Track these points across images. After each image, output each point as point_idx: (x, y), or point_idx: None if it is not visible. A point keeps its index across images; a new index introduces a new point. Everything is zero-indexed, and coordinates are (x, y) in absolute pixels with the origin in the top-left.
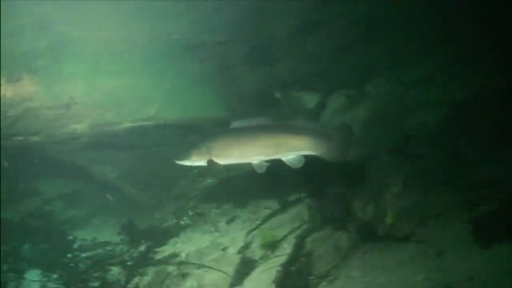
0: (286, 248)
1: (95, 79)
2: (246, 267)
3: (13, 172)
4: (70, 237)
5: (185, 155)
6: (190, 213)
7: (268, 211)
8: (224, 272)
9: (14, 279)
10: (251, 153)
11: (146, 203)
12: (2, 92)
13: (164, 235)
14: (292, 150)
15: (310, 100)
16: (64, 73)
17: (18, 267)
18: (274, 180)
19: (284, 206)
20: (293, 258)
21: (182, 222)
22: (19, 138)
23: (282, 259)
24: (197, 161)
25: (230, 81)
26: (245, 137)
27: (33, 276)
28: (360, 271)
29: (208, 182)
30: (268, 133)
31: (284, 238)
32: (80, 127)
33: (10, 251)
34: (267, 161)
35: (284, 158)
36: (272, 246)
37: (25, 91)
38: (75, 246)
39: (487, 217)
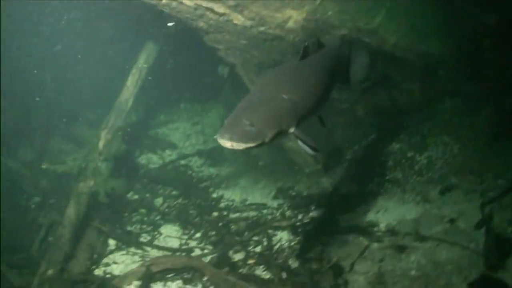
0: None
1: None
2: (499, 245)
3: None
4: (214, 195)
5: (264, 122)
6: (377, 179)
7: (503, 182)
8: (470, 248)
9: (148, 231)
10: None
11: (308, 166)
12: None
13: (342, 203)
14: None
15: None
16: None
17: (152, 220)
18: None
19: None
20: None
21: (367, 190)
22: None
23: None
24: (285, 128)
25: None
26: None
27: (170, 232)
28: None
29: (396, 147)
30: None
31: None
32: (296, 16)
33: (141, 201)
34: None
35: None
36: None
37: None
38: (221, 205)
39: None
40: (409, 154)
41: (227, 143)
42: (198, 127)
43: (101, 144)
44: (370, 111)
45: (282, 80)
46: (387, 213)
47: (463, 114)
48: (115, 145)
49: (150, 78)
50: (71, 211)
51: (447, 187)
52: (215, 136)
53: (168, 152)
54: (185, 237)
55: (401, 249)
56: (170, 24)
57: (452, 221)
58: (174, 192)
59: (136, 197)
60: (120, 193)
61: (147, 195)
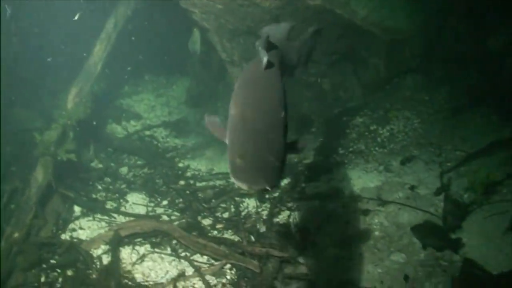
0: (508, 195)
1: None
2: (457, 209)
3: None
4: (180, 165)
5: (282, 151)
6: (341, 150)
7: (460, 153)
8: (430, 212)
9: (114, 199)
10: None
11: None
12: None
13: (308, 172)
14: None
15: None
16: None
17: (118, 189)
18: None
19: (487, 148)
20: None
21: (331, 160)
22: None
23: (508, 206)
24: None
25: None
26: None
27: (136, 200)
28: None
29: (360, 121)
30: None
31: (500, 182)
32: None
33: (106, 170)
34: None
35: None
36: (485, 190)
37: None
38: (188, 174)
39: None
40: (372, 127)
41: (262, 188)
42: (163, 99)
43: (69, 106)
44: (336, 85)
45: (269, 95)
46: (351, 181)
47: (423, 90)
48: (82, 110)
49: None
50: (38, 174)
51: (408, 157)
52: (243, 188)
53: (132, 122)
54: (152, 204)
55: (365, 212)
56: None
57: (412, 188)
58: (139, 162)
59: (100, 166)
60: (84, 162)
61: (112, 164)
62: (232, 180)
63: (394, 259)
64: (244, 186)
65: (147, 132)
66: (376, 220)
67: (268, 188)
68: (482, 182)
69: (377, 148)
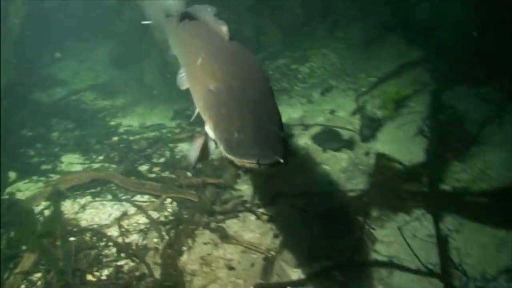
0: (415, 107)
1: None
2: (371, 123)
3: None
4: (112, 123)
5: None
6: None
7: (373, 79)
8: (347, 128)
9: (48, 162)
10: None
11: None
12: None
13: None
14: None
15: None
16: None
17: (51, 152)
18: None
19: (397, 70)
20: (435, 112)
21: None
22: None
23: (415, 116)
24: None
25: None
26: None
27: (71, 160)
28: None
29: (281, 62)
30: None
31: (408, 97)
32: None
33: (36, 136)
34: None
35: None
36: (396, 105)
37: None
38: (120, 130)
39: None
40: (293, 66)
41: (273, 162)
42: (87, 64)
43: None
44: (257, 31)
45: (250, 66)
46: None
47: (338, 29)
48: (6, 75)
49: None
50: None
51: (327, 88)
52: (247, 165)
53: (58, 89)
54: (88, 161)
55: (291, 136)
56: None
57: (332, 112)
58: (69, 126)
59: (30, 134)
60: (13, 130)
61: (41, 130)
62: (231, 158)
63: (319, 170)
64: (248, 163)
65: (74, 97)
66: (302, 141)
67: (279, 160)
68: (393, 98)
69: (299, 84)
